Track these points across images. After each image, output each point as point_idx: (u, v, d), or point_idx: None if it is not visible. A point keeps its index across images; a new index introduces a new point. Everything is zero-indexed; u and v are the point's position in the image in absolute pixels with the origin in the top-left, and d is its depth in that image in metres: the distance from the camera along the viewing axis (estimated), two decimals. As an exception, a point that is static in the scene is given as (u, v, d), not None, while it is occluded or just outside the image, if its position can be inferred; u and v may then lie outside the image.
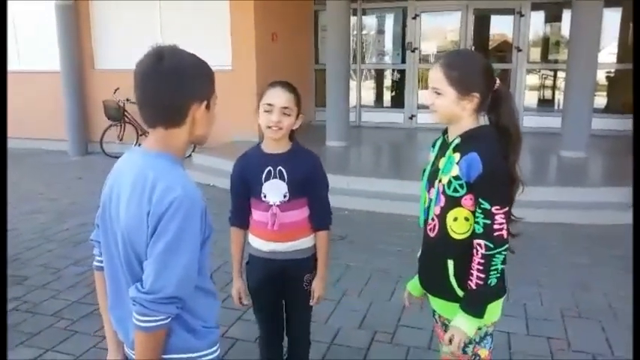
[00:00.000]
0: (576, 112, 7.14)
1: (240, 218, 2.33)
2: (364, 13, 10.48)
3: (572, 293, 3.86)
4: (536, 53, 9.88)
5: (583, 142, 7.15)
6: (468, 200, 1.77)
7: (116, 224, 1.46)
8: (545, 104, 10.02)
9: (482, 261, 1.73)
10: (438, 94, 1.80)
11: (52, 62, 9.11)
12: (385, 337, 3.29)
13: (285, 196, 2.21)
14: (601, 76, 9.15)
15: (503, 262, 1.75)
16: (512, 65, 9.43)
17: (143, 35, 8.48)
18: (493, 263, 1.73)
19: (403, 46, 10.25)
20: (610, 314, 3.56)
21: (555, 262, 4.46)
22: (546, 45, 10.07)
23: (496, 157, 1.75)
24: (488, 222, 1.71)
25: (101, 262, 1.59)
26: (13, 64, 9.24)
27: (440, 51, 10.31)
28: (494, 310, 1.86)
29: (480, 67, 1.81)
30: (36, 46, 9.68)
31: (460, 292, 1.83)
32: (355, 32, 10.27)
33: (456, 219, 1.80)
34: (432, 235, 1.88)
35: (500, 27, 10.29)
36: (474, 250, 1.75)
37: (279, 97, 2.15)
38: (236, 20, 8.44)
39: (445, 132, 1.92)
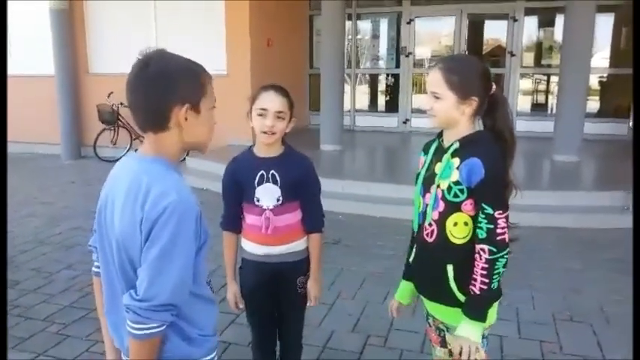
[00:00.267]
0: (569, 117, 7.19)
1: (233, 222, 2.33)
2: (359, 17, 10.52)
3: (564, 297, 3.88)
4: (529, 58, 9.96)
5: (575, 146, 7.20)
6: (468, 205, 1.77)
7: (111, 230, 1.45)
8: (538, 108, 10.09)
9: (486, 266, 1.73)
10: (437, 98, 1.79)
11: (46, 66, 9.09)
12: (378, 341, 3.29)
13: (278, 200, 2.21)
14: (593, 81, 9.22)
15: (505, 265, 1.75)
16: (506, 70, 9.52)
17: (138, 40, 8.48)
18: (496, 267, 1.73)
19: (397, 50, 10.31)
20: (602, 318, 3.58)
21: (548, 265, 4.48)
22: (539, 50, 10.15)
23: (497, 162, 1.76)
24: (492, 227, 1.72)
25: (99, 267, 1.58)
26: (6, 68, 9.20)
27: (434, 56, 10.38)
28: (492, 312, 1.86)
29: (479, 72, 1.82)
30: (30, 50, 9.65)
31: (460, 297, 1.82)
32: (350, 37, 10.30)
33: (455, 224, 1.80)
34: (429, 240, 1.87)
35: (494, 32, 10.37)
36: (477, 255, 1.75)
37: (272, 101, 2.14)
38: (231, 25, 8.45)
39: (439, 136, 1.92)
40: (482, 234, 1.74)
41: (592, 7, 7.00)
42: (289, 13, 9.61)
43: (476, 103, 1.79)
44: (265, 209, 2.21)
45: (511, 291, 3.67)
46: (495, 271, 1.74)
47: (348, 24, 9.92)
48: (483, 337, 1.89)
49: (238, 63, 8.40)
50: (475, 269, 1.76)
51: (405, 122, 10.16)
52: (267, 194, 2.21)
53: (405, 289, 2.13)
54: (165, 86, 1.38)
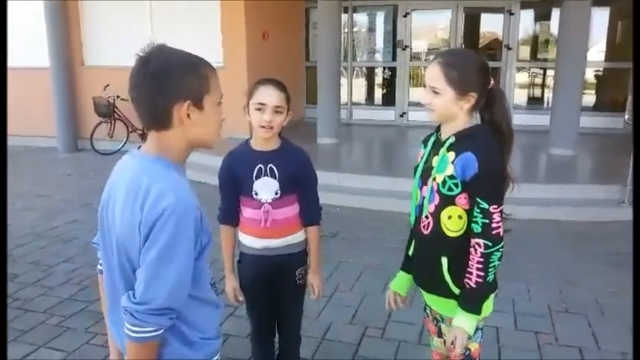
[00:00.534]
0: (565, 110, 7.21)
1: (231, 216, 2.34)
2: (355, 10, 10.49)
3: (560, 289, 3.92)
4: (525, 51, 9.95)
5: (571, 140, 7.22)
6: (462, 199, 1.79)
7: (112, 229, 1.42)
8: (535, 102, 10.10)
9: (481, 259, 1.75)
10: (436, 93, 1.80)
11: (41, 58, 9.03)
12: (376, 332, 3.32)
13: (276, 194, 2.22)
14: (589, 75, 9.25)
15: (500, 258, 1.77)
16: (502, 63, 9.51)
17: (133, 32, 8.45)
18: (491, 261, 1.75)
19: (394, 43, 10.28)
20: (596, 309, 3.62)
21: (543, 258, 4.52)
22: (535, 43, 10.14)
23: (493, 157, 1.77)
24: (487, 221, 1.73)
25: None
26: (1, 60, 9.15)
27: (431, 49, 10.37)
28: (487, 304, 1.89)
29: (478, 67, 1.82)
30: (24, 42, 9.57)
31: (455, 289, 1.85)
32: (346, 30, 10.27)
33: (450, 217, 1.82)
34: (425, 232, 1.90)
35: (490, 25, 10.36)
36: (473, 249, 1.77)
37: (270, 96, 2.15)
38: (227, 17, 8.42)
39: (438, 129, 1.93)
40: (477, 228, 1.75)
41: (588, 0, 7.00)
42: (285, 7, 9.57)
43: (474, 99, 1.79)
44: (264, 203, 2.22)
45: (507, 283, 3.70)
46: (491, 265, 1.76)
47: (345, 17, 9.90)
48: (479, 328, 1.92)
49: (234, 56, 8.37)
50: (471, 263, 1.78)
51: (401, 115, 10.16)
52: (266, 188, 2.22)
53: (401, 280, 2.15)
54: (165, 83, 1.34)
